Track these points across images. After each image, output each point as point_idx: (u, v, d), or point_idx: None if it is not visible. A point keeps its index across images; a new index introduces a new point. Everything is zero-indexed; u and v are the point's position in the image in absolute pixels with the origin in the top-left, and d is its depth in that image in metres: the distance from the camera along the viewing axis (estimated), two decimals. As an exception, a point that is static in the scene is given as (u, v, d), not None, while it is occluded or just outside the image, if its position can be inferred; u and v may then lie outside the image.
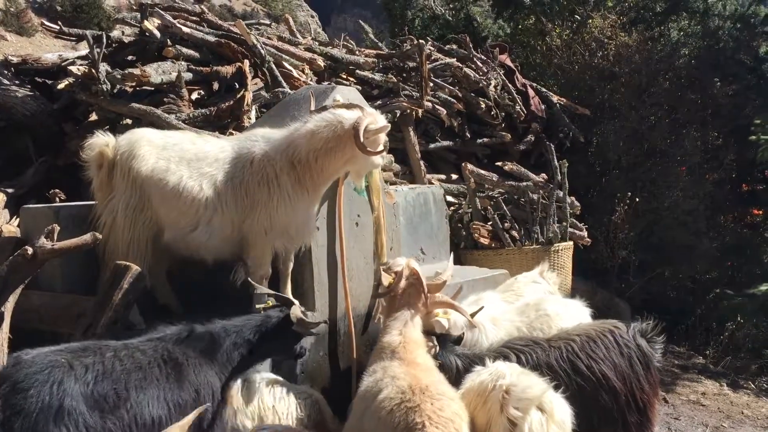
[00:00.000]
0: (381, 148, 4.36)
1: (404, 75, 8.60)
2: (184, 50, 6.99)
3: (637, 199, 9.20)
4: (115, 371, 3.16)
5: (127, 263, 3.97)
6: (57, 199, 6.28)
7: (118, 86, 6.45)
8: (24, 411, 2.90)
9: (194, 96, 6.86)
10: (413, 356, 3.64)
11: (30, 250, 3.91)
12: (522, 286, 5.40)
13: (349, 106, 4.33)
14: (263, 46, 7.21)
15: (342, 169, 4.44)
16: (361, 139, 4.09)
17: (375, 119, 4.25)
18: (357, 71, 8.23)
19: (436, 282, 4.17)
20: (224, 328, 3.67)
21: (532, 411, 3.55)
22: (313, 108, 4.46)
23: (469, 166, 7.72)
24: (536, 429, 3.54)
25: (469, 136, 8.94)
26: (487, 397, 3.60)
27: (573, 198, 7.92)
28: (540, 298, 4.99)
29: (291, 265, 4.61)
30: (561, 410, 3.67)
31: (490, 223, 7.42)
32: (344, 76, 8.26)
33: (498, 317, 4.68)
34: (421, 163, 7.99)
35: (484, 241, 7.32)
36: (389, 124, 4.42)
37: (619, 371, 4.15)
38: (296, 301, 3.93)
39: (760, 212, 10.28)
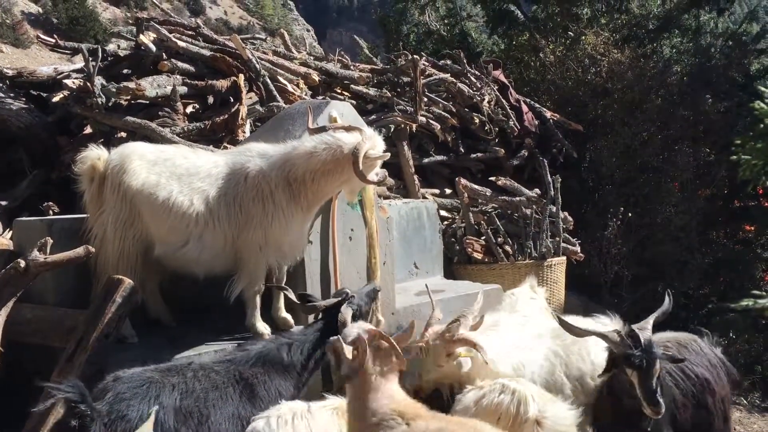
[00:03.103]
0: (378, 173, 4.39)
1: (398, 90, 8.64)
2: (180, 64, 7.01)
3: (630, 215, 9.22)
4: (196, 390, 3.50)
5: (120, 277, 3.97)
6: (50, 212, 6.27)
7: (113, 100, 6.46)
8: (126, 417, 3.25)
9: (189, 110, 6.87)
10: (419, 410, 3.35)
11: (23, 263, 3.92)
12: (524, 305, 5.30)
13: (348, 129, 4.35)
14: (258, 60, 7.25)
15: (337, 189, 4.49)
16: (360, 167, 4.11)
17: (374, 144, 4.28)
18: (351, 86, 8.26)
19: (405, 335, 3.60)
20: (288, 341, 4.00)
21: None
22: (311, 125, 4.48)
23: (463, 181, 7.75)
24: None
25: (462, 151, 8.97)
26: (517, 428, 3.61)
27: (566, 213, 7.95)
28: (573, 319, 4.87)
29: (283, 279, 4.62)
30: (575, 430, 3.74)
31: (483, 237, 7.44)
32: (339, 91, 8.30)
33: (529, 344, 4.53)
34: (415, 177, 8.02)
35: (478, 255, 7.34)
36: (389, 153, 4.45)
37: (713, 376, 4.32)
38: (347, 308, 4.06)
39: (752, 228, 10.32)
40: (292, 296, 4.38)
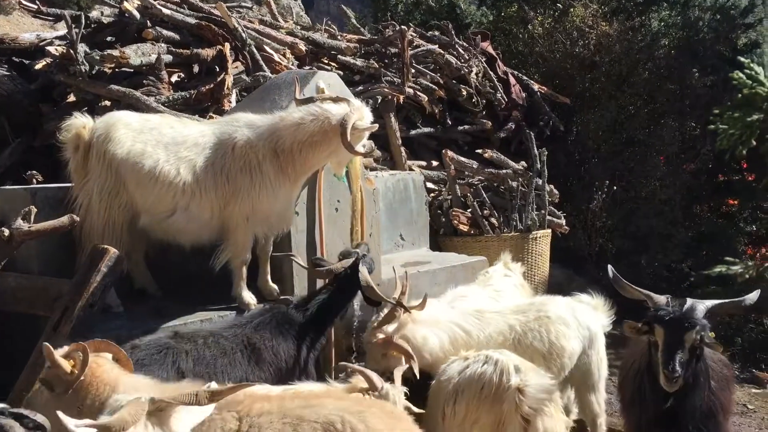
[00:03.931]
0: (365, 145, 4.39)
1: (386, 61, 8.59)
2: (164, 32, 6.92)
3: (615, 188, 9.29)
4: (206, 357, 3.62)
5: (105, 246, 3.95)
6: (34, 181, 6.21)
7: (96, 67, 6.37)
8: None
9: (174, 78, 6.79)
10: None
11: (6, 232, 3.89)
12: (498, 281, 5.34)
13: (336, 100, 4.33)
14: (244, 29, 7.16)
15: (325, 161, 4.47)
16: (348, 138, 4.09)
17: (362, 115, 4.26)
18: (339, 56, 8.20)
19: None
20: (295, 306, 4.13)
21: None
22: (298, 96, 4.45)
23: (450, 153, 7.75)
24: (547, 422, 3.63)
25: (450, 123, 8.95)
26: (500, 397, 3.63)
27: (552, 186, 7.99)
28: (547, 299, 4.85)
29: (270, 250, 4.63)
30: (558, 399, 3.76)
31: (469, 210, 7.47)
32: (326, 61, 8.23)
33: (486, 312, 4.52)
34: (402, 149, 8.00)
35: (464, 227, 7.37)
36: (377, 125, 4.44)
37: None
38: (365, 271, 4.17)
39: (735, 202, 10.42)
40: (301, 262, 4.43)
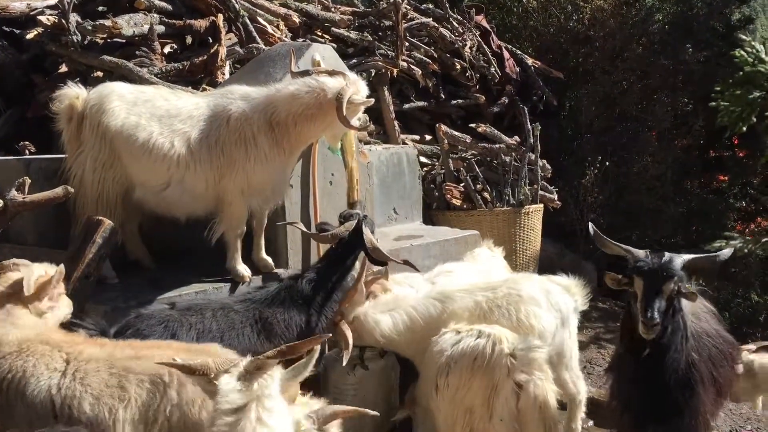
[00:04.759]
0: (360, 119, 4.38)
1: (380, 34, 8.54)
2: (157, 2, 6.85)
3: (607, 164, 9.32)
4: (212, 330, 3.62)
5: (100, 217, 3.96)
6: (27, 152, 6.20)
7: (88, 38, 6.33)
8: None
9: (167, 50, 6.75)
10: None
11: (0, 203, 3.89)
12: (484, 259, 5.30)
13: (332, 73, 4.32)
14: (237, 0, 7.11)
15: (320, 134, 4.47)
16: (344, 112, 4.08)
17: (358, 89, 4.25)
18: (332, 29, 8.15)
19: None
20: (304, 275, 4.14)
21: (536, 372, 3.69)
22: (293, 69, 4.43)
23: (443, 128, 7.75)
24: (539, 390, 3.68)
25: (443, 97, 8.93)
26: (492, 364, 3.66)
27: (545, 161, 8.00)
28: (520, 277, 4.79)
29: (264, 223, 4.64)
30: (548, 369, 3.81)
31: (462, 184, 7.49)
32: (319, 34, 8.18)
33: (452, 291, 4.36)
34: (396, 123, 8.00)
35: (456, 202, 7.39)
36: (372, 99, 4.42)
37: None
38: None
39: (726, 178, 10.49)
40: (303, 228, 4.50)
